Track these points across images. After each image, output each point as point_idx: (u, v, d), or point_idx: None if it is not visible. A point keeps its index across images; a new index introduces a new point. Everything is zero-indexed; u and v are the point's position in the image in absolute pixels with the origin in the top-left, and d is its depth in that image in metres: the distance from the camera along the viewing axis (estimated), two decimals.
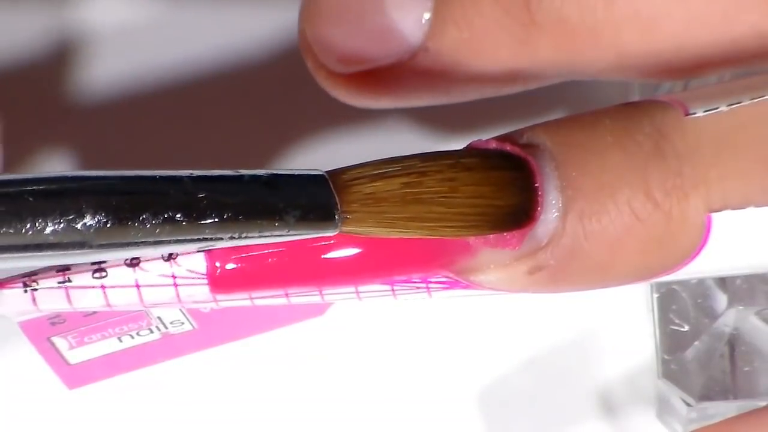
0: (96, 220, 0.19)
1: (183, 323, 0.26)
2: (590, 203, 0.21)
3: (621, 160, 0.21)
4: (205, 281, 0.22)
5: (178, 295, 0.23)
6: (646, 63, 0.23)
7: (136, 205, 0.20)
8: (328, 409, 0.33)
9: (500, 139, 0.22)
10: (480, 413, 0.33)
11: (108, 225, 0.20)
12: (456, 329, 0.33)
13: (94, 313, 0.25)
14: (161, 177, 0.20)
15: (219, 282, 0.22)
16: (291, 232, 0.21)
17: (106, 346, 0.26)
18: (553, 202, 0.21)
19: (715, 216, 0.22)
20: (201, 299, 0.23)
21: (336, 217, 0.21)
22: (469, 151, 0.22)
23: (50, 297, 0.23)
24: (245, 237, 0.21)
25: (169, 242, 0.20)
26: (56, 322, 0.25)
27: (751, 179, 0.22)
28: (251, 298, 0.23)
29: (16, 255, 0.20)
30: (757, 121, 0.22)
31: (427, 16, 0.23)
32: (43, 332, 0.25)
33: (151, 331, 0.26)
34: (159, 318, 0.26)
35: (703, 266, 0.22)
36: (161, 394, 0.32)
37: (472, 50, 0.23)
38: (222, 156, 0.33)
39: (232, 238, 0.21)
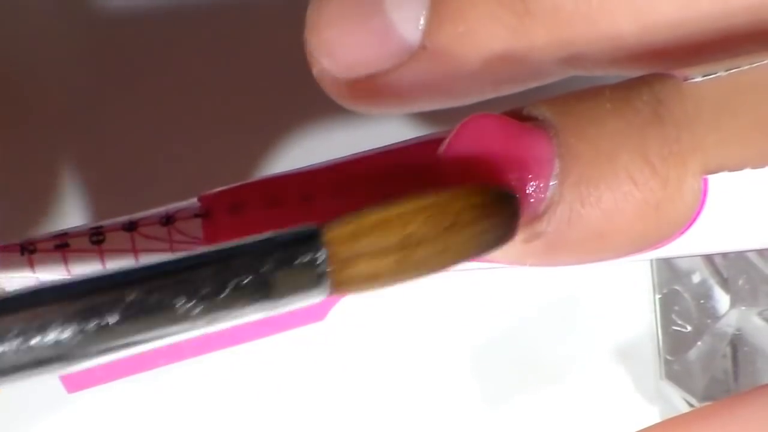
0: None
1: None
2: (588, 169, 0.21)
3: (619, 127, 0.21)
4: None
5: None
6: (642, 51, 0.23)
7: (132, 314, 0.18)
8: (329, 413, 0.33)
9: (501, 114, 0.22)
10: (481, 417, 0.32)
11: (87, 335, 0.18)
12: (454, 333, 0.33)
13: None
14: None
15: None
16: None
17: None
18: (552, 170, 0.21)
19: (711, 184, 0.22)
20: None
21: (326, 295, 0.20)
22: (469, 202, 0.20)
23: (47, 260, 0.23)
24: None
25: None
26: None
27: (748, 143, 0.21)
28: None
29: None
30: (756, 86, 0.22)
31: (423, 14, 0.23)
32: None
33: None
34: None
35: (699, 238, 0.22)
36: (160, 399, 0.32)
37: (469, 44, 0.23)
38: (222, 157, 0.34)
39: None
